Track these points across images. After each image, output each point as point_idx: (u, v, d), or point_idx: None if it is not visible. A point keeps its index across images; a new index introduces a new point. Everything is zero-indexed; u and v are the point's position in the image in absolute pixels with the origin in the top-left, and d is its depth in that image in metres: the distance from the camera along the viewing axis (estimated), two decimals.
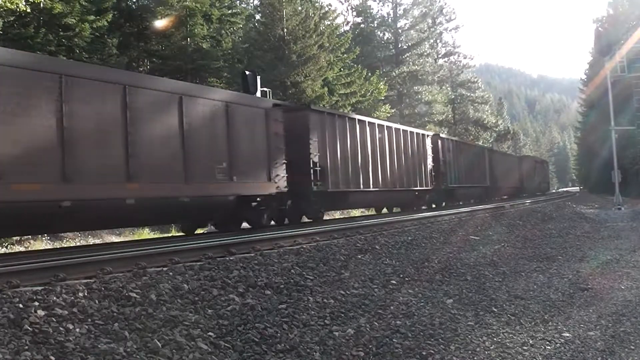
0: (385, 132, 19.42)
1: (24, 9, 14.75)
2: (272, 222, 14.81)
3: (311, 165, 14.83)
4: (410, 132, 22.07)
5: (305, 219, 15.97)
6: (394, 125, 20.97)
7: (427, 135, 23.93)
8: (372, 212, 24.84)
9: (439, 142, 25.03)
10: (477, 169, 31.20)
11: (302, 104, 16.20)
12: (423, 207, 22.72)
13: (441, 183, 24.42)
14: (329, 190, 15.59)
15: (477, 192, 31.14)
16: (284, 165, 13.70)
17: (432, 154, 23.73)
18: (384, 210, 23.23)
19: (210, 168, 11.56)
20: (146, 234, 16.75)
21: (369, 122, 18.87)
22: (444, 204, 25.84)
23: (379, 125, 19.40)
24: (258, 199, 12.94)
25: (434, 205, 24.13)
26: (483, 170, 32.76)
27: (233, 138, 12.14)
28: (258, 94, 15.70)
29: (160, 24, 23.00)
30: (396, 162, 19.94)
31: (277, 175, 13.45)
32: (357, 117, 18.71)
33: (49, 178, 8.53)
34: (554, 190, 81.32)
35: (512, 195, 38.55)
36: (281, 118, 13.88)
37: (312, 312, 5.71)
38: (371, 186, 18.02)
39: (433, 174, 23.51)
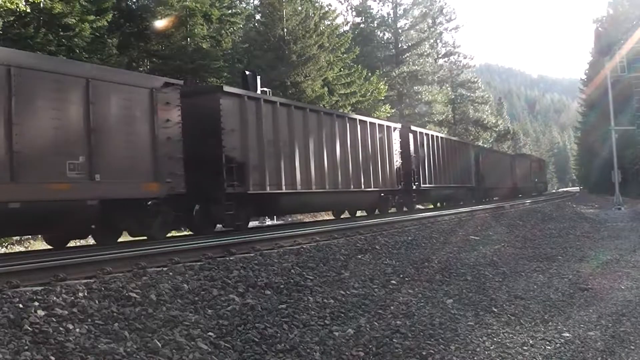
0: (336, 123, 16.64)
1: (24, 9, 14.75)
2: (188, 231, 12.98)
3: (224, 162, 12.06)
4: (371, 123, 19.06)
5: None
6: (347, 115, 18.23)
7: (394, 128, 20.64)
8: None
9: (410, 135, 21.93)
10: (461, 167, 28.24)
11: (212, 85, 13.32)
12: (392, 210, 20.34)
13: (412, 183, 21.38)
14: (250, 192, 12.82)
15: (459, 193, 28.41)
16: (182, 160, 11.05)
17: (401, 149, 20.67)
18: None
19: (56, 163, 8.99)
20: None
21: (310, 109, 15.95)
22: (417, 206, 22.97)
23: (325, 113, 16.61)
24: (148, 203, 10.54)
25: (405, 209, 21.35)
26: (468, 169, 29.85)
27: (96, 125, 9.52)
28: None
29: (160, 24, 23.00)
30: (351, 158, 17.08)
31: (171, 173, 10.78)
32: (294, 103, 15.68)
33: None
34: (553, 191, 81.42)
35: (504, 196, 35.79)
36: (177, 101, 11.18)
37: (312, 312, 5.71)
38: (314, 187, 15.15)
39: (402, 172, 20.46)
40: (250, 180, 12.87)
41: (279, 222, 20.30)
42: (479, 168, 32.13)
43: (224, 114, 12.28)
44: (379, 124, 19.56)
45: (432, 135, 25.33)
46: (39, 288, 4.87)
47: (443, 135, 28.54)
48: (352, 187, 17.11)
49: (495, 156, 40.22)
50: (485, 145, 50.97)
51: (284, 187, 13.99)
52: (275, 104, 14.28)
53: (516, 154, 55.79)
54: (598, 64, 36.93)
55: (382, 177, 19.00)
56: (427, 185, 23.01)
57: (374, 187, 18.38)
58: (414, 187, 21.64)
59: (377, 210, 19.81)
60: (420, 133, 23.59)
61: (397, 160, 20.25)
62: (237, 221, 12.74)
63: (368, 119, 19.57)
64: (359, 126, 17.95)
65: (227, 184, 12.11)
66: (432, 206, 27.34)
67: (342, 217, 19.48)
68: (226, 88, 13.05)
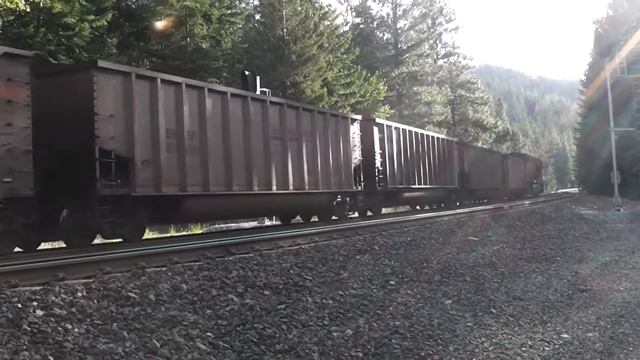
0: (269, 111, 13.94)
1: (24, 8, 14.78)
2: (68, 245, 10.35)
3: (97, 155, 9.57)
4: (319, 112, 16.36)
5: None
6: (286, 102, 15.43)
7: (353, 120, 17.86)
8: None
9: (375, 129, 19.17)
10: (441, 166, 25.56)
11: (84, 61, 10.29)
12: (354, 215, 18.24)
13: (376, 183, 18.68)
14: (137, 194, 10.26)
15: (439, 195, 25.76)
16: (30, 154, 8.65)
17: (362, 144, 18.04)
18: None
19: None
20: (145, 234, 16.69)
21: (232, 94, 12.98)
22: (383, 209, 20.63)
23: (254, 99, 13.72)
24: None
25: (369, 213, 19.29)
26: (450, 168, 27.15)
27: None
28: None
29: (160, 23, 23.07)
30: (291, 154, 14.53)
31: (11, 170, 8.39)
32: (209, 86, 13.00)
33: None
34: (552, 192, 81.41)
35: (493, 198, 33.34)
36: (26, 78, 8.69)
37: (311, 313, 5.71)
38: (235, 188, 12.54)
39: (362, 171, 17.81)
40: (137, 179, 10.28)
41: (278, 223, 20.32)
42: (464, 168, 29.62)
43: (100, 96, 9.73)
44: (330, 114, 17.04)
45: (404, 130, 22.17)
46: (38, 288, 4.87)
47: (418, 130, 24.86)
48: (291, 188, 14.44)
49: (484, 155, 36.78)
50: (485, 146, 50.93)
51: (189, 189, 11.37)
52: (179, 86, 11.48)
53: (509, 153, 51.74)
54: (598, 65, 36.88)
55: (336, 176, 16.33)
56: (397, 186, 20.27)
57: (323, 189, 15.70)
58: (379, 188, 18.92)
59: (333, 216, 17.02)
60: (389, 127, 20.47)
61: (355, 157, 17.56)
62: (119, 230, 10.22)
63: (315, 108, 17.20)
64: (303, 116, 15.20)
65: (101, 184, 9.63)
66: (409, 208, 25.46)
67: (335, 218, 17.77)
68: (102, 63, 10.35)
